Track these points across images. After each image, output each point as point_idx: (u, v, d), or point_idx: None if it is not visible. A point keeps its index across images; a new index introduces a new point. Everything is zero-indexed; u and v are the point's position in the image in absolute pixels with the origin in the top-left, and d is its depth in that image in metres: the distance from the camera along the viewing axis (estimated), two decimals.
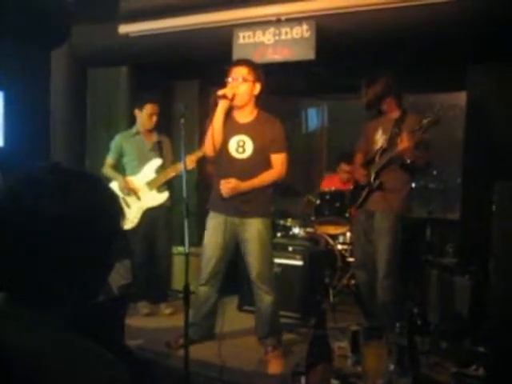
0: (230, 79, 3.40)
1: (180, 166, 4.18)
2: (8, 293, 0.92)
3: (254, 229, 3.47)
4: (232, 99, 3.38)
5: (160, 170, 4.38)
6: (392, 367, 2.44)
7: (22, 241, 0.90)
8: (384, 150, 3.83)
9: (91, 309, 0.98)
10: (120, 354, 0.94)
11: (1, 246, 0.92)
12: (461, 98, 5.20)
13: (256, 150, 3.44)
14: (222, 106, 3.41)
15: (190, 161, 4.11)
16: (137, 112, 4.41)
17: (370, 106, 3.96)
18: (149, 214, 4.35)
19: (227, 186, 3.42)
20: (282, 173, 3.51)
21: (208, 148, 3.49)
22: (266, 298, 3.52)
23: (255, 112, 3.51)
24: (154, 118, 4.37)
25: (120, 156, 4.42)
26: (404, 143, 3.59)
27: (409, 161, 3.68)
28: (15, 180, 0.96)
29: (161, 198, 4.39)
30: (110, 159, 4.42)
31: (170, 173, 4.33)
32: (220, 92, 3.36)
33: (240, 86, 3.38)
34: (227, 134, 3.47)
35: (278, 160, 3.49)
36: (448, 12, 3.84)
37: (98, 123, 5.35)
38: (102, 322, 0.97)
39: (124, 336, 2.81)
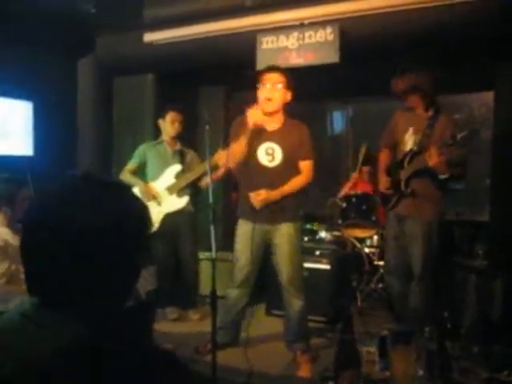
0: (267, 84, 3.36)
1: (199, 169, 4.23)
2: (37, 298, 0.94)
3: (284, 233, 3.46)
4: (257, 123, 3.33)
5: (180, 175, 4.40)
6: (421, 372, 2.40)
7: (52, 248, 0.91)
8: (414, 154, 3.61)
9: (120, 315, 0.99)
10: (154, 358, 0.95)
11: (32, 254, 0.95)
12: (488, 97, 5.12)
13: (285, 158, 3.42)
14: (249, 131, 3.35)
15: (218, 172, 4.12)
16: (160, 122, 4.45)
17: (398, 96, 3.73)
18: (171, 220, 4.36)
19: (258, 198, 3.41)
20: (310, 178, 3.51)
21: (228, 162, 3.54)
22: (295, 302, 3.50)
23: (282, 119, 3.49)
24: (177, 125, 4.39)
25: (142, 164, 4.45)
26: (433, 159, 3.35)
27: (443, 176, 3.46)
28: (47, 188, 0.98)
29: (181, 202, 4.40)
30: (130, 165, 4.45)
31: (190, 177, 4.35)
32: (253, 121, 3.30)
33: (276, 92, 3.36)
34: (255, 142, 3.43)
35: (306, 167, 3.48)
36: (474, 11, 3.79)
37: (124, 131, 5.42)
38: (131, 328, 0.98)
39: (152, 341, 2.83)
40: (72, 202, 0.93)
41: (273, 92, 3.35)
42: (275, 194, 3.41)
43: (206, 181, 4.14)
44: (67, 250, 0.91)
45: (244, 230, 3.55)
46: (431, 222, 3.63)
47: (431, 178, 3.55)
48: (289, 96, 3.43)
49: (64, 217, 0.91)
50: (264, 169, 3.44)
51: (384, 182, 3.85)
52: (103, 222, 0.93)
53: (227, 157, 3.53)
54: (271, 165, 3.44)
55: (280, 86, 3.36)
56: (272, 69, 3.49)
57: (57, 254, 0.91)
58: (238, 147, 3.40)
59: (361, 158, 5.45)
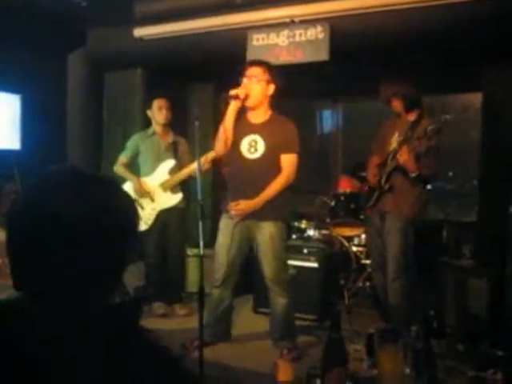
0: (244, 79, 3.40)
1: (193, 167, 4.18)
2: (24, 293, 0.93)
3: (266, 232, 3.46)
4: (244, 99, 3.37)
5: (174, 170, 4.38)
6: (408, 371, 2.41)
7: (37, 243, 0.91)
8: (395, 153, 3.79)
9: (107, 310, 0.98)
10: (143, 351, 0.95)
11: (17, 248, 0.94)
12: (476, 99, 5.15)
13: (267, 150, 3.43)
14: (233, 105, 3.41)
15: (204, 162, 4.06)
16: (148, 112, 4.44)
17: (384, 102, 3.99)
18: (162, 215, 4.36)
19: (236, 208, 3.42)
20: (291, 175, 3.48)
21: (219, 147, 3.51)
22: (279, 301, 3.51)
23: (269, 113, 3.51)
24: (165, 111, 4.36)
25: (135, 155, 4.43)
26: (403, 156, 3.59)
27: (413, 174, 3.64)
28: (33, 182, 0.97)
29: (174, 199, 4.39)
30: (123, 157, 4.43)
31: (184, 174, 4.33)
32: (232, 92, 3.36)
33: (253, 87, 3.38)
34: (240, 134, 3.47)
35: (288, 161, 3.46)
36: (463, 12, 3.81)
37: (113, 125, 5.38)
38: (118, 324, 0.97)
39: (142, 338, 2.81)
40: (58, 197, 0.93)
41: (249, 86, 3.38)
42: (256, 202, 3.41)
43: (192, 168, 4.13)
44: (53, 244, 0.90)
45: (225, 225, 3.56)
46: (408, 219, 3.78)
47: (406, 174, 3.74)
48: (271, 89, 3.43)
49: (50, 211, 0.91)
50: (246, 161, 3.46)
51: (372, 174, 4.02)
52: (90, 216, 0.92)
53: (217, 142, 3.52)
54: (253, 156, 3.45)
55: (255, 79, 3.37)
56: (253, 63, 3.52)
57: (43, 249, 0.91)
58: (227, 122, 3.42)
59: None
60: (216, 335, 3.63)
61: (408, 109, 3.86)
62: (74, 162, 5.10)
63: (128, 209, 1.03)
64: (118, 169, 4.39)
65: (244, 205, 3.40)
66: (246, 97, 3.37)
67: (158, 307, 4.39)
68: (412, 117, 3.86)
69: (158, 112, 4.36)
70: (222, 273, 3.56)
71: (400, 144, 3.78)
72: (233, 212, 3.45)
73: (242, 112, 3.51)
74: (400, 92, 3.81)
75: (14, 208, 0.96)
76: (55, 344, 0.86)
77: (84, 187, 0.96)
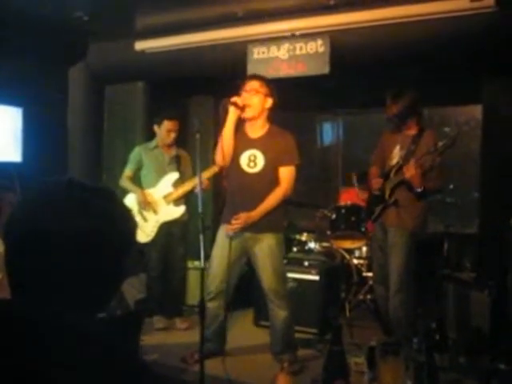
0: (243, 93, 3.43)
1: (197, 181, 4.19)
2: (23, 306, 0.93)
3: (265, 244, 3.46)
4: (243, 109, 3.40)
5: (177, 183, 4.38)
6: (409, 383, 2.40)
7: (35, 256, 0.91)
8: (400, 167, 3.78)
9: (107, 323, 0.98)
10: (136, 369, 0.94)
11: (15, 261, 0.94)
12: (476, 111, 5.17)
13: (267, 164, 3.45)
14: (232, 113, 3.44)
15: (204, 179, 4.04)
16: (156, 128, 4.43)
17: (392, 120, 3.88)
18: (165, 228, 4.35)
19: (237, 222, 3.41)
20: (289, 188, 3.49)
21: (219, 157, 3.51)
22: (279, 313, 3.49)
23: (267, 126, 3.53)
24: (172, 135, 4.36)
25: (138, 168, 4.44)
26: (410, 171, 3.55)
27: (419, 190, 3.62)
28: (29, 196, 0.97)
29: (177, 211, 4.39)
30: (127, 171, 4.43)
31: (187, 187, 4.33)
32: (232, 99, 3.40)
33: (252, 98, 3.42)
34: (239, 148, 3.49)
35: (285, 173, 3.47)
36: (463, 25, 3.84)
37: (114, 138, 5.40)
38: (118, 337, 0.97)
39: (140, 350, 2.81)
40: (55, 210, 0.93)
41: (248, 99, 3.41)
42: (255, 215, 3.41)
43: (195, 182, 4.13)
44: (51, 257, 0.90)
45: (222, 237, 3.55)
46: (412, 233, 3.76)
47: (411, 189, 3.71)
48: (269, 103, 3.46)
49: (47, 224, 0.90)
50: (246, 175, 3.47)
51: (377, 182, 3.91)
52: (88, 228, 0.92)
53: (218, 153, 3.51)
54: (252, 171, 3.47)
55: (253, 92, 3.41)
56: (251, 77, 3.58)
57: (40, 262, 0.91)
58: (226, 129, 3.44)
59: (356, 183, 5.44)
60: (212, 350, 3.58)
61: (417, 123, 3.82)
62: (75, 174, 5.11)
63: (126, 220, 1.03)
64: (124, 183, 4.39)
65: (244, 217, 3.41)
66: (244, 107, 3.40)
67: (158, 321, 4.37)
68: (413, 131, 3.84)
69: (166, 134, 4.36)
70: (216, 285, 3.53)
71: (404, 158, 3.75)
72: (230, 227, 3.45)
73: (240, 125, 3.52)
74: (414, 107, 3.76)
75: (10, 221, 0.95)
76: (52, 355, 0.85)
77: (82, 199, 0.96)
